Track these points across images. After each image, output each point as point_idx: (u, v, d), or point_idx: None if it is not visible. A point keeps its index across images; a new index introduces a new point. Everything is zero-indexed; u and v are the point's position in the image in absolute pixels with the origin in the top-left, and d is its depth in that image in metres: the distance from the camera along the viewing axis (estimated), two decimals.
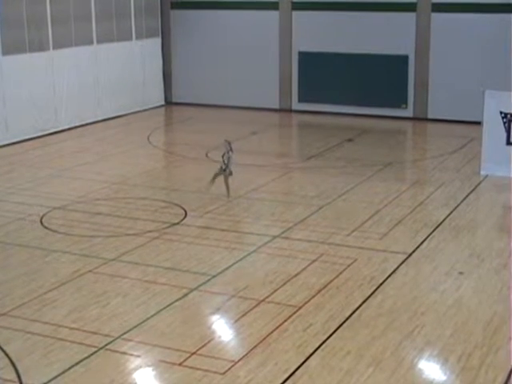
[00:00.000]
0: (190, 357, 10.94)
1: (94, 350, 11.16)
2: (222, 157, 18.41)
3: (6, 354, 11.04)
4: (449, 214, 17.40)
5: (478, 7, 27.00)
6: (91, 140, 26.07)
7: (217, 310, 12.64)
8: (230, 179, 18.46)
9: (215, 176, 18.61)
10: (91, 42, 28.48)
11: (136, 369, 10.80)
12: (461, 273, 13.99)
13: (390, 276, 13.86)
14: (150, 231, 16.37)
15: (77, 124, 27.80)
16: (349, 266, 14.32)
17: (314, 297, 12.95)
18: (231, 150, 18.29)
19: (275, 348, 11.19)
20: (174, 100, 32.60)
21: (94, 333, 11.70)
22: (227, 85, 31.25)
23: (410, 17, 28.14)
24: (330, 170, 21.57)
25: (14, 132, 25.24)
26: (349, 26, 29.10)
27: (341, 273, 13.98)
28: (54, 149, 24.76)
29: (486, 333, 11.64)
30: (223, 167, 18.36)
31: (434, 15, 27.83)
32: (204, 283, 13.58)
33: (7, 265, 14.73)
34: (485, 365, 10.68)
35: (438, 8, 27.73)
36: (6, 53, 24.85)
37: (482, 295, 13.10)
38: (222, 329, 12.22)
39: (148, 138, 25.98)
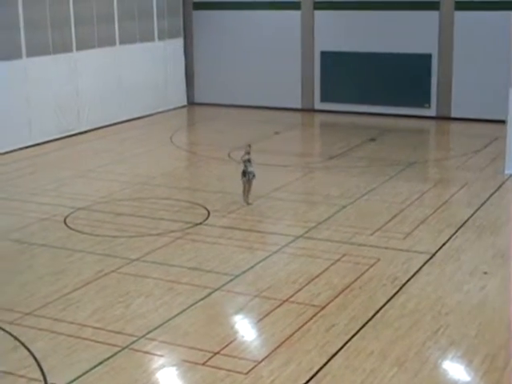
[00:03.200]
0: (213, 356, 10.95)
1: (117, 349, 11.20)
2: (243, 162, 18.09)
3: (31, 353, 11.12)
4: (472, 214, 17.31)
5: (502, 5, 26.82)
6: (114, 141, 26.16)
7: (240, 310, 12.65)
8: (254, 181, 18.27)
9: (247, 187, 18.27)
10: (114, 43, 28.59)
11: (159, 368, 10.83)
12: (485, 273, 13.91)
13: (413, 276, 13.81)
14: (172, 231, 16.40)
15: (100, 125, 27.91)
16: (372, 265, 14.28)
17: (336, 297, 12.93)
18: (248, 153, 18.08)
19: (298, 348, 11.18)
20: (196, 100, 32.65)
21: (118, 332, 11.74)
22: (249, 85, 31.26)
23: (433, 15, 28.03)
24: (353, 169, 21.52)
25: (38, 133, 25.38)
26: (371, 25, 29.03)
27: (364, 273, 13.94)
28: (77, 150, 24.88)
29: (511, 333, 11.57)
30: (250, 174, 18.03)
31: (458, 13, 27.71)
32: (227, 283, 13.59)
33: (32, 265, 14.81)
34: (510, 366, 10.61)
35: (461, 6, 27.60)
36: (29, 54, 24.99)
37: (507, 295, 13.00)
38: (245, 329, 12.23)
39: (171, 139, 26.03)
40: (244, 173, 18.03)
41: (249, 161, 18.05)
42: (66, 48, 26.37)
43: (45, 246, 15.76)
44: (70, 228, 16.81)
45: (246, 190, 18.15)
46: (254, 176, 18.09)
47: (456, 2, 27.68)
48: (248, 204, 18.05)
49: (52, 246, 15.70)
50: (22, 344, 11.42)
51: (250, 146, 18.28)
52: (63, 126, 26.40)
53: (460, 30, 27.72)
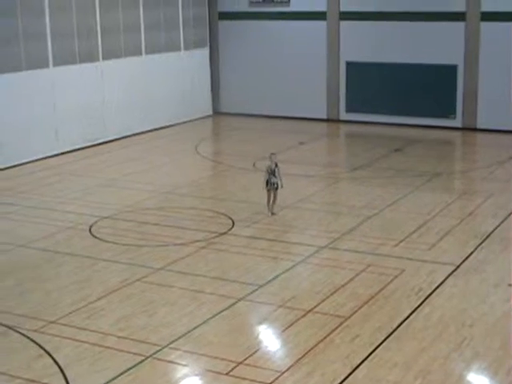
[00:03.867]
0: (236, 366, 10.96)
1: (141, 358, 11.23)
2: (272, 174, 17.91)
3: (56, 362, 11.17)
4: (498, 225, 17.21)
5: None
6: (140, 150, 26.27)
7: (264, 320, 12.65)
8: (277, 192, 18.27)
9: (273, 197, 18.19)
10: (140, 53, 28.74)
11: (183, 378, 10.85)
12: (510, 285, 13.83)
13: (438, 287, 13.75)
14: (197, 241, 16.43)
15: (125, 134, 28.05)
16: (396, 276, 14.24)
17: (361, 307, 12.90)
18: (276, 164, 17.93)
19: (322, 359, 11.16)
20: (221, 110, 32.73)
21: (142, 341, 11.78)
22: (275, 95, 31.31)
23: (459, 26, 27.95)
24: (378, 180, 21.48)
25: (64, 142, 25.55)
26: (397, 36, 29.01)
27: (388, 284, 13.90)
28: (102, 158, 25.00)
29: None
30: (276, 183, 17.90)
31: (483, 24, 27.61)
32: (251, 293, 13.59)
33: (57, 273, 14.90)
34: None
35: (487, 17, 27.50)
36: (56, 64, 25.18)
37: None
38: (269, 339, 12.22)
39: (196, 148, 26.11)
40: (267, 182, 18.03)
41: (273, 171, 17.95)
42: (92, 57, 26.55)
43: (70, 254, 15.85)
44: (95, 237, 16.89)
45: (271, 200, 18.11)
46: (276, 187, 17.97)
47: (482, 13, 27.58)
48: (272, 214, 18.03)
49: (77, 255, 15.78)
50: (47, 352, 11.48)
51: (273, 154, 18.18)
52: (89, 135, 26.56)
53: (486, 41, 27.62)
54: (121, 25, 27.65)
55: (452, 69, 28.32)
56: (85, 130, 26.35)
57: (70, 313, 12.88)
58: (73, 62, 25.80)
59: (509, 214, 18.00)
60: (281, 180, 18.01)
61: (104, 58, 27.03)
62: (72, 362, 11.20)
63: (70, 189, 21.03)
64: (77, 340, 11.87)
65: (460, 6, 27.86)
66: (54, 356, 11.34)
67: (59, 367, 11.02)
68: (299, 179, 21.32)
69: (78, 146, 26.02)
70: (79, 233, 17.20)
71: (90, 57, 26.46)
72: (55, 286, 14.18)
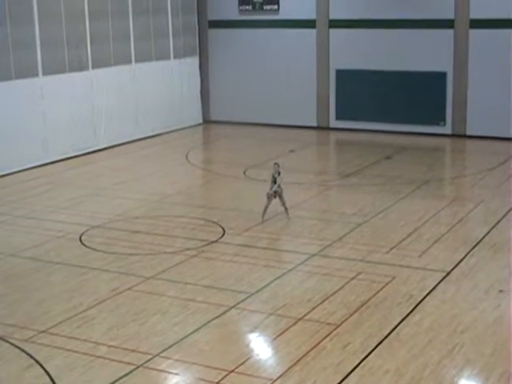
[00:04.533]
0: (228, 375, 10.94)
1: (132, 367, 11.20)
2: (274, 182, 18.12)
3: (46, 372, 11.13)
4: (488, 232, 17.25)
5: None
6: (130, 158, 26.26)
7: (255, 328, 12.63)
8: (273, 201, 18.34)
9: (282, 204, 18.36)
10: (130, 62, 28.75)
11: None
12: (501, 291, 13.85)
13: (428, 294, 13.77)
14: (188, 249, 16.42)
15: (115, 143, 28.04)
16: (387, 284, 14.25)
17: (352, 315, 12.90)
18: (279, 173, 18.14)
19: (313, 366, 11.15)
20: (211, 118, 32.74)
21: (133, 350, 11.75)
22: (265, 103, 31.35)
23: (448, 33, 28.04)
24: (368, 187, 21.50)
25: (54, 151, 25.51)
26: (386, 44, 29.09)
27: (379, 291, 13.91)
28: (92, 168, 24.97)
29: None
30: (278, 191, 18.10)
31: (472, 31, 27.70)
32: (242, 301, 13.58)
33: (47, 283, 14.85)
34: None
35: (476, 24, 27.60)
36: (46, 73, 25.15)
37: None
38: (260, 347, 12.21)
39: (186, 157, 26.10)
40: (275, 192, 18.11)
41: (274, 179, 18.10)
42: (82, 66, 26.53)
43: (60, 263, 15.81)
44: (86, 246, 16.86)
45: (285, 207, 18.28)
46: (277, 194, 18.12)
47: (471, 20, 27.68)
48: (288, 218, 18.25)
49: (67, 264, 15.74)
50: (37, 362, 11.43)
51: (276, 163, 18.33)
52: (79, 144, 26.53)
53: (475, 48, 27.72)
54: (110, 34, 27.65)
55: (441, 76, 28.41)
56: (75, 139, 26.31)
57: (61, 322, 12.84)
58: (62, 71, 25.78)
59: (499, 221, 18.04)
60: (278, 187, 18.06)
61: (94, 67, 27.02)
62: (63, 371, 11.16)
63: (60, 198, 20.99)
64: (67, 349, 11.83)
65: (449, 14, 27.96)
66: (45, 366, 11.30)
67: (50, 377, 10.98)
68: (290, 187, 21.27)
69: (67, 155, 25.98)
70: (69, 242, 17.16)
71: (79, 66, 26.43)
72: (45, 295, 14.14)
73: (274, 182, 18.13)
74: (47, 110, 25.23)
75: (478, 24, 27.58)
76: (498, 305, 13.27)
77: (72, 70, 26.14)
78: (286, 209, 18.36)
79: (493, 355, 11.41)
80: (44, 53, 25.02)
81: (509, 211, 18.81)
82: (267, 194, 18.18)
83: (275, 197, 18.19)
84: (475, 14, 27.60)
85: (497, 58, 27.35)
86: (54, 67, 25.43)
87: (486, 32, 27.50)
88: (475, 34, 27.66)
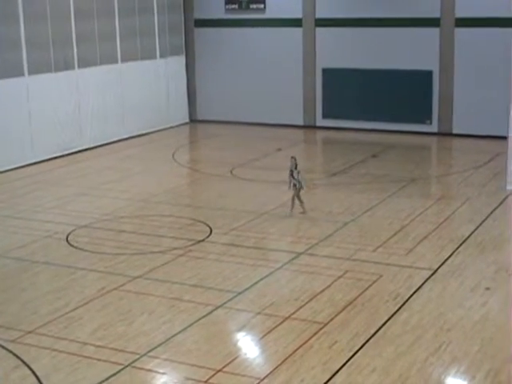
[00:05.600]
0: (215, 374, 10.94)
1: (120, 367, 11.19)
2: (291, 175, 18.48)
3: (33, 372, 11.10)
4: (474, 230, 17.31)
5: (502, 22, 26.88)
6: (116, 158, 26.21)
7: (242, 327, 12.64)
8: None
9: (296, 197, 18.64)
10: (116, 61, 28.69)
11: None
12: (487, 288, 13.90)
13: (415, 292, 13.80)
14: (175, 248, 16.41)
15: (102, 142, 27.98)
16: (374, 282, 14.28)
17: (339, 313, 12.92)
18: (296, 166, 18.48)
19: (301, 365, 11.16)
20: (198, 117, 32.72)
21: (120, 350, 11.73)
22: (251, 102, 31.35)
23: (434, 32, 28.12)
24: (355, 186, 21.53)
25: (40, 151, 25.44)
26: (372, 42, 29.14)
27: (366, 289, 13.93)
28: (79, 167, 24.91)
29: None
30: (296, 184, 18.42)
31: (458, 30, 27.78)
32: (229, 300, 13.58)
33: (34, 283, 14.81)
34: None
35: (461, 23, 27.68)
36: (31, 72, 25.07)
37: (509, 311, 13.00)
38: (248, 346, 12.21)
39: (173, 156, 26.08)
40: (295, 185, 18.43)
41: (292, 172, 18.45)
42: (67, 65, 26.46)
43: (47, 263, 15.77)
44: (72, 246, 16.82)
45: (300, 201, 18.54)
46: (297, 187, 18.45)
47: (456, 19, 27.77)
48: (301, 212, 18.61)
49: (54, 264, 15.70)
50: (24, 363, 11.40)
51: (292, 157, 18.65)
52: (65, 144, 26.47)
53: (461, 47, 27.80)
54: (96, 33, 27.58)
55: (427, 74, 28.48)
56: (61, 139, 26.24)
57: (48, 322, 12.81)
58: (48, 71, 25.69)
59: (485, 219, 18.11)
60: (299, 182, 18.37)
61: (80, 67, 26.94)
62: (50, 372, 11.13)
63: (47, 198, 20.94)
64: (54, 350, 11.80)
65: (435, 12, 28.03)
66: (32, 366, 11.26)
67: (37, 378, 10.95)
68: (277, 186, 21.32)
69: (53, 155, 25.92)
70: (56, 242, 17.12)
71: (65, 65, 26.36)
72: (32, 295, 14.10)
73: (292, 176, 18.45)
74: (33, 110, 25.15)
75: (463, 23, 27.66)
76: (484, 302, 13.32)
77: (58, 69, 26.06)
78: (301, 202, 18.59)
79: (479, 352, 11.45)
80: (30, 52, 24.94)
81: (495, 209, 18.88)
82: (289, 187, 18.61)
83: (298, 189, 18.46)
84: (461, 12, 27.69)
85: (482, 57, 27.44)
86: (39, 67, 25.34)
87: (472, 31, 27.58)
88: (461, 33, 27.75)
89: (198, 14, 32.13)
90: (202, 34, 32.12)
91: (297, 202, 18.60)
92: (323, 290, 13.91)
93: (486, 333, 12.13)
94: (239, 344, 12.26)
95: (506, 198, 19.88)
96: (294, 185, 18.47)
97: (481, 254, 15.83)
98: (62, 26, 26.15)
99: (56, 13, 25.83)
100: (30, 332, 12.46)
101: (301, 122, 30.83)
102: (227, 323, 12.94)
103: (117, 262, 15.70)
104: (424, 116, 28.77)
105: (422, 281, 14.31)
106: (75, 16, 26.58)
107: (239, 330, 12.59)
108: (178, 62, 32.03)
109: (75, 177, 23.52)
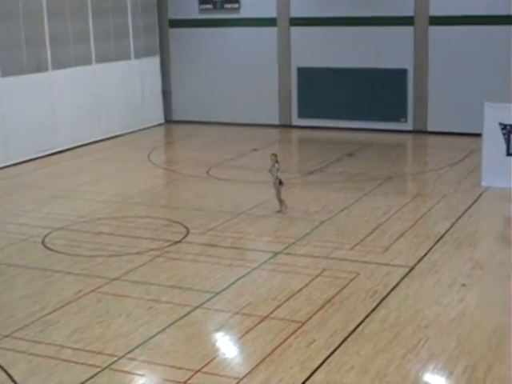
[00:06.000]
0: (194, 375, 10.92)
1: (97, 370, 11.14)
2: (270, 171, 18.76)
3: (10, 377, 11.03)
4: (450, 227, 17.39)
5: (476, 20, 27.07)
6: (92, 160, 26.11)
7: (220, 328, 12.63)
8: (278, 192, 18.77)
9: (276, 195, 18.79)
10: (90, 62, 28.57)
11: None
12: (463, 285, 13.98)
13: (392, 290, 13.85)
14: (152, 250, 16.36)
15: (77, 144, 27.85)
16: (351, 280, 14.31)
17: (317, 312, 12.94)
18: (277, 161, 18.61)
19: (279, 364, 11.17)
20: (173, 118, 32.67)
21: (98, 353, 11.68)
22: (227, 102, 31.34)
23: (408, 30, 28.24)
24: (331, 184, 21.57)
25: (15, 153, 25.28)
26: (347, 41, 29.21)
27: (344, 287, 13.96)
28: (54, 169, 24.79)
29: (491, 344, 11.63)
30: (276, 181, 18.57)
31: (432, 28, 27.92)
32: (207, 301, 13.56)
33: (10, 286, 14.72)
34: (490, 376, 10.66)
35: (435, 21, 27.81)
36: (4, 74, 24.93)
37: (486, 307, 13.09)
38: (226, 346, 12.20)
39: (148, 157, 26.01)
40: (280, 181, 18.53)
41: (270, 169, 18.68)
42: (41, 67, 26.32)
43: (23, 267, 15.67)
44: (49, 248, 16.73)
45: (279, 199, 18.66)
46: (277, 183, 18.60)
47: (430, 17, 27.89)
48: (278, 211, 18.69)
49: (30, 267, 15.60)
50: (1, 367, 11.31)
51: (273, 154, 18.84)
52: (40, 146, 26.31)
53: (435, 45, 27.94)
54: (70, 34, 27.45)
55: (402, 73, 28.59)
56: (36, 141, 26.09)
57: (24, 326, 12.72)
58: (21, 73, 25.54)
59: (460, 215, 18.20)
60: (277, 178, 18.55)
61: (53, 68, 26.81)
62: (27, 376, 11.07)
63: (22, 200, 20.81)
64: (31, 353, 11.73)
65: (408, 11, 28.15)
66: (9, 371, 11.19)
67: (14, 382, 10.88)
68: (253, 186, 21.34)
69: (29, 157, 25.77)
70: (32, 245, 17.02)
71: (38, 67, 26.22)
72: (8, 299, 14.01)
73: (271, 171, 18.70)
74: (7, 112, 24.99)
75: (437, 21, 27.80)
76: (461, 299, 13.39)
77: (31, 71, 25.92)
78: (279, 201, 18.68)
79: (457, 348, 11.51)
80: (2, 54, 24.79)
81: (470, 206, 18.99)
82: (273, 184, 18.69)
83: (279, 184, 18.51)
84: (434, 11, 27.83)
85: (456, 55, 27.59)
86: (12, 68, 25.19)
87: (446, 29, 27.72)
88: (435, 31, 27.88)
89: (173, 15, 32.08)
90: (177, 35, 32.07)
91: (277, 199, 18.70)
92: (301, 289, 13.93)
93: (463, 329, 12.20)
94: (217, 344, 12.25)
95: (481, 194, 20.00)
96: (280, 181, 18.57)
97: (457, 250, 15.91)
98: (35, 27, 26.01)
99: (28, 13, 25.68)
100: (6, 336, 12.37)
101: (277, 122, 30.86)
102: (205, 324, 12.92)
103: (93, 264, 15.64)
104: (399, 114, 28.89)
105: (399, 278, 14.36)
106: (48, 17, 26.43)
107: (217, 330, 12.58)
108: (153, 63, 31.96)
109: (51, 179, 23.40)
